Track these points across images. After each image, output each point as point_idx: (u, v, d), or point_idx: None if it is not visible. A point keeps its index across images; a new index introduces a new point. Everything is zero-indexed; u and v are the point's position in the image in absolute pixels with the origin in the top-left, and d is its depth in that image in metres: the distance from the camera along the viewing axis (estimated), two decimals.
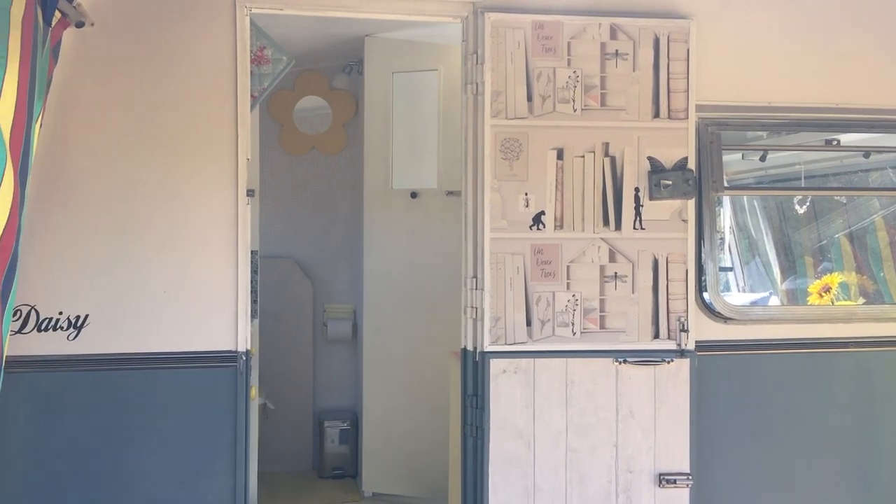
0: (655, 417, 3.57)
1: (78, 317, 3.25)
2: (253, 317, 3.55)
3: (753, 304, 4.98)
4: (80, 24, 3.19)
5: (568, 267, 3.55)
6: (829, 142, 4.08)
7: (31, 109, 2.76)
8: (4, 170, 2.53)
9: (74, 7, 3.13)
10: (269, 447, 5.33)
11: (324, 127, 5.77)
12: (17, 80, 2.62)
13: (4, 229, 2.56)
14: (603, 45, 3.55)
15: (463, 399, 3.61)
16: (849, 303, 4.88)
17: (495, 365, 3.50)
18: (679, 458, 3.57)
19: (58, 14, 2.99)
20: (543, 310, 3.53)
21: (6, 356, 2.67)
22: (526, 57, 3.52)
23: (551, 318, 3.54)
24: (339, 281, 5.77)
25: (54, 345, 3.24)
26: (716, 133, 3.70)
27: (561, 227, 3.55)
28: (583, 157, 3.56)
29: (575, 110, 3.54)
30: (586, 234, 3.56)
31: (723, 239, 5.26)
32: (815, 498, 3.82)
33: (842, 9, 3.80)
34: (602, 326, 3.56)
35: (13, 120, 2.62)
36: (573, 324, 3.54)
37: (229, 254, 3.39)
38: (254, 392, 3.68)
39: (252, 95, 3.51)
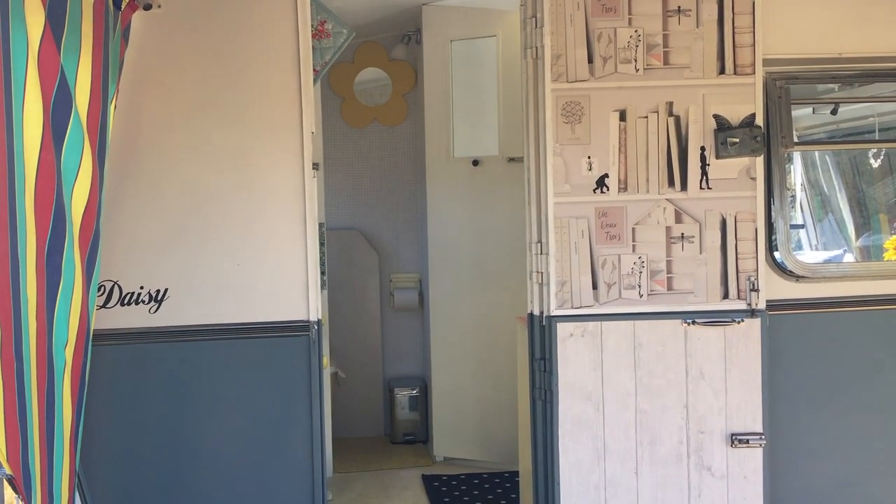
0: (726, 378, 3.54)
1: (158, 290, 3.39)
2: (322, 288, 3.64)
3: (827, 261, 4.86)
4: (147, 7, 3.28)
5: (633, 229, 3.53)
6: None
7: (106, 92, 2.87)
8: (83, 151, 2.64)
9: None
10: (341, 415, 5.48)
11: (384, 98, 5.81)
12: (91, 64, 2.72)
13: (86, 208, 2.68)
14: (664, 1, 3.48)
15: (531, 363, 3.64)
16: None
17: (562, 328, 3.52)
18: (751, 418, 3.55)
19: None
20: (609, 273, 3.52)
21: (93, 330, 2.81)
22: (586, 18, 3.48)
23: (617, 280, 3.53)
24: (404, 250, 5.84)
25: (137, 318, 3.38)
26: (784, 87, 3.61)
27: (625, 189, 3.52)
28: (646, 117, 3.52)
29: (637, 70, 3.50)
30: (651, 195, 3.53)
31: (794, 196, 5.13)
32: (890, 457, 3.75)
33: None
34: (669, 288, 3.54)
35: (89, 102, 2.72)
36: (640, 286, 3.53)
37: (298, 226, 3.47)
38: (326, 361, 3.78)
39: (314, 69, 3.57)
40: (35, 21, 2.30)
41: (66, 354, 2.54)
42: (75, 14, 2.60)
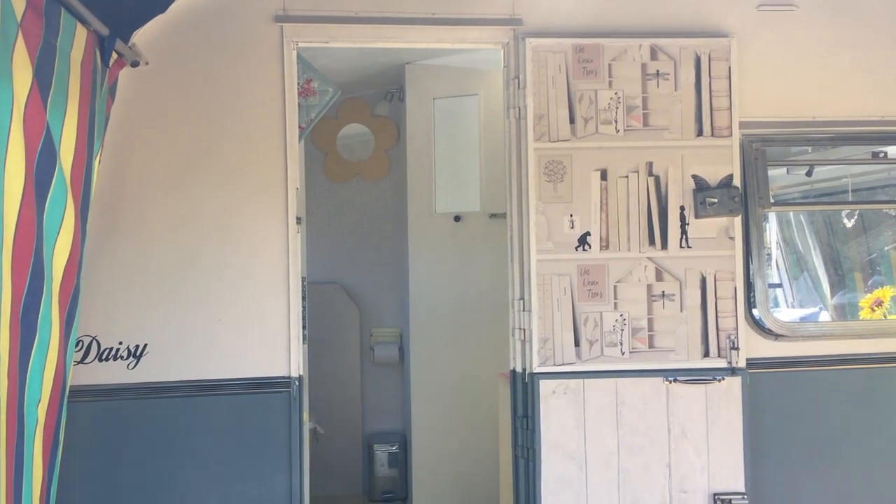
0: (708, 436, 3.54)
1: (137, 346, 3.35)
2: (303, 342, 3.61)
3: (803, 319, 4.91)
4: (135, 64, 3.31)
5: (615, 287, 3.55)
6: (875, 154, 4.03)
7: (91, 147, 2.87)
8: (66, 207, 2.63)
9: (130, 47, 3.26)
10: (319, 471, 5.37)
11: (367, 154, 5.85)
12: (76, 120, 2.73)
13: (67, 263, 2.66)
14: (644, 65, 3.57)
15: (513, 420, 3.62)
16: None
17: (545, 386, 3.51)
18: (733, 478, 3.53)
19: (114, 55, 3.11)
20: (591, 330, 3.54)
21: (69, 386, 2.76)
22: (567, 80, 3.55)
23: (599, 338, 3.54)
24: (385, 305, 5.82)
25: (115, 374, 3.34)
26: (760, 149, 3.69)
27: (607, 247, 3.56)
28: (626, 177, 3.58)
29: (618, 131, 3.56)
30: (632, 253, 3.56)
31: (770, 255, 5.20)
32: None
33: (884, 22, 3.78)
34: (651, 346, 3.55)
35: (74, 158, 2.73)
36: (622, 343, 3.54)
37: (281, 281, 3.47)
38: (305, 416, 3.73)
39: (300, 127, 3.60)
40: (22, 78, 2.32)
41: (39, 412, 2.49)
42: (63, 71, 2.62)
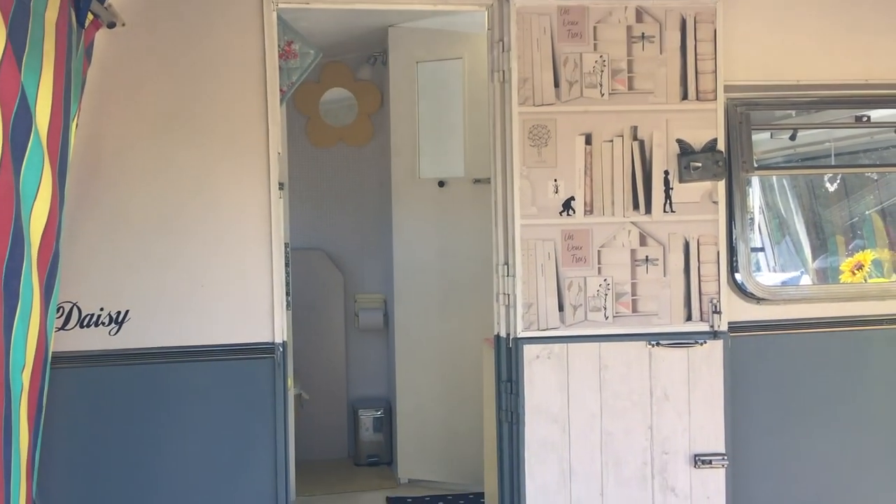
0: (690, 399, 3.58)
1: (119, 312, 3.32)
2: (287, 309, 3.60)
3: (785, 283, 4.95)
4: (111, 25, 3.23)
5: (599, 252, 3.56)
6: (859, 118, 4.04)
7: (68, 110, 2.82)
8: (43, 170, 2.59)
9: (106, 8, 3.18)
10: (304, 436, 5.40)
11: (350, 118, 5.80)
12: (52, 82, 2.67)
13: (45, 229, 2.62)
14: (629, 28, 3.54)
15: (497, 385, 3.64)
16: (882, 280, 4.83)
17: (529, 350, 3.52)
18: (714, 439, 3.58)
19: (90, 16, 3.04)
20: (575, 295, 3.55)
21: (51, 352, 2.74)
22: (552, 43, 3.52)
23: (583, 302, 3.55)
24: (369, 271, 5.82)
25: (96, 340, 3.31)
26: (745, 113, 3.69)
27: (591, 212, 3.55)
28: (611, 141, 3.56)
29: (602, 95, 3.54)
30: (616, 218, 3.56)
31: (752, 219, 5.23)
32: (851, 477, 3.81)
33: None
34: (634, 310, 3.57)
35: (50, 121, 2.67)
36: (605, 308, 3.55)
37: (263, 247, 3.44)
38: (290, 382, 3.74)
39: (281, 90, 3.55)
40: None
41: (24, 379, 2.47)
42: (37, 32, 2.56)
